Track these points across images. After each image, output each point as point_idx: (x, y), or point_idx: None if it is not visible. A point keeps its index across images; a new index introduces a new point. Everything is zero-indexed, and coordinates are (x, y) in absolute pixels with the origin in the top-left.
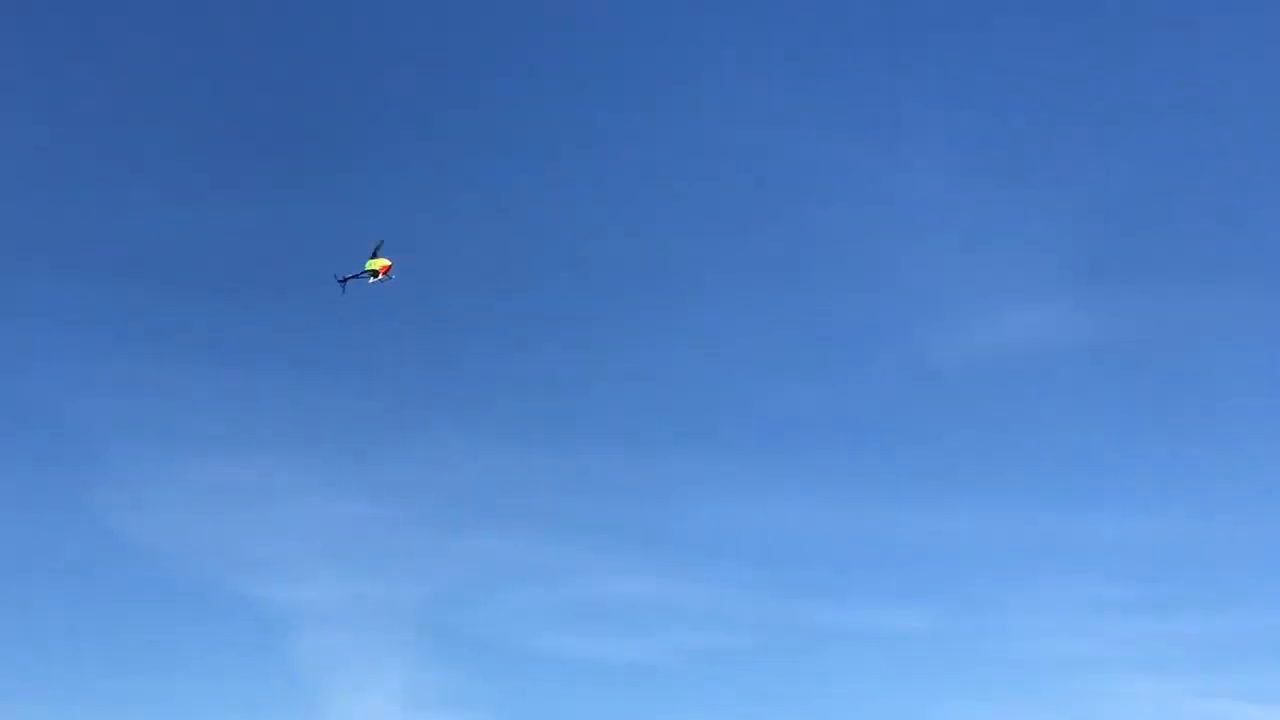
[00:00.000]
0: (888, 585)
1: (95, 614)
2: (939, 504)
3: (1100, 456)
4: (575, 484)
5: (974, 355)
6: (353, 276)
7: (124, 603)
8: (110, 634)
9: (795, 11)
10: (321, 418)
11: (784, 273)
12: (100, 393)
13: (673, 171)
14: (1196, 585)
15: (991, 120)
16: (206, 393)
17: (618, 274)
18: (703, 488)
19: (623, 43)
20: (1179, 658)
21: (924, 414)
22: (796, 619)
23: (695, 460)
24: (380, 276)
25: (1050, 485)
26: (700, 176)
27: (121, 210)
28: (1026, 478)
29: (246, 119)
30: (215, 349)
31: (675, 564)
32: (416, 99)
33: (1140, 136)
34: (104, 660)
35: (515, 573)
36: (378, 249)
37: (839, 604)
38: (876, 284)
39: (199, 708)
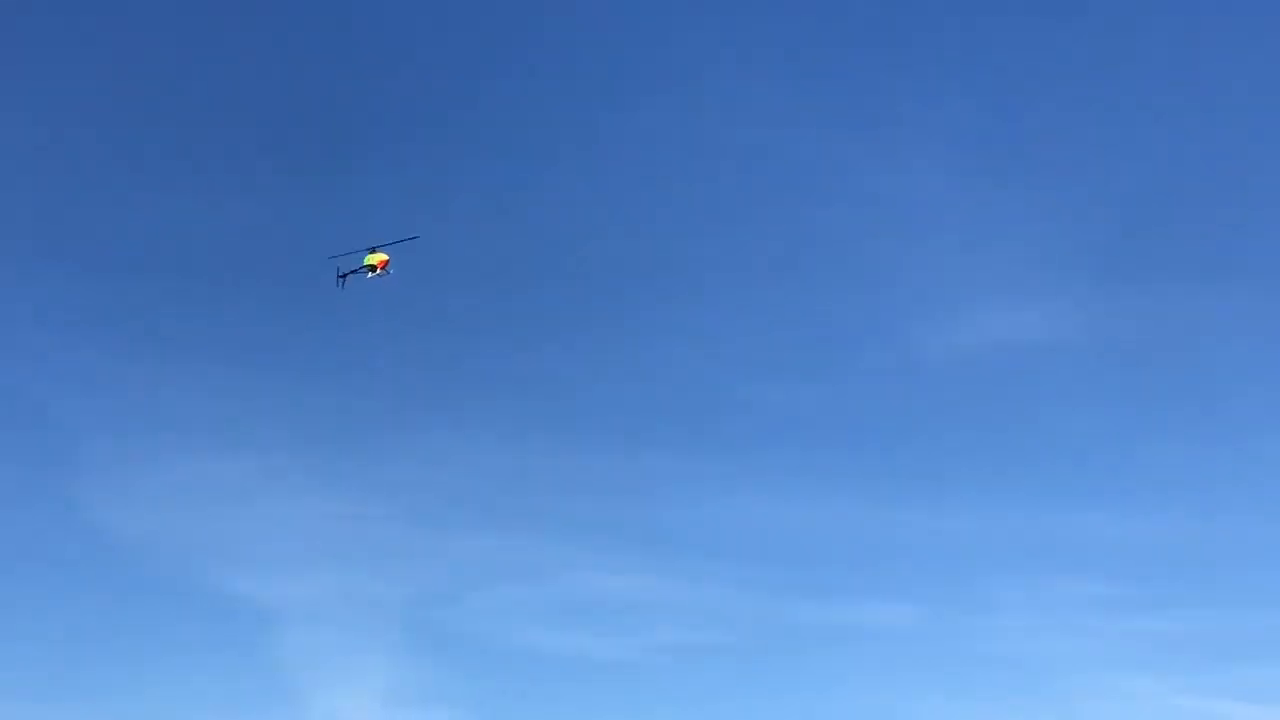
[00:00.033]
0: (883, 583)
1: (79, 610)
2: (938, 503)
3: (1097, 455)
4: (565, 482)
5: (973, 355)
6: (352, 272)
7: (108, 599)
8: (94, 630)
9: (795, 11)
10: (311, 415)
11: (783, 272)
12: (86, 388)
13: (672, 171)
14: (1193, 584)
15: (991, 120)
16: (193, 389)
17: (616, 273)
18: (695, 485)
19: (623, 43)
20: (1174, 656)
21: (922, 413)
22: (789, 617)
23: (689, 458)
24: (378, 271)
25: (1047, 484)
26: (700, 176)
27: (114, 207)
28: (1023, 477)
29: (245, 117)
30: (204, 345)
31: (665, 561)
32: (416, 99)
33: (1140, 136)
34: (88, 656)
35: (501, 570)
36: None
37: (833, 602)
38: (875, 283)
39: (183, 703)
